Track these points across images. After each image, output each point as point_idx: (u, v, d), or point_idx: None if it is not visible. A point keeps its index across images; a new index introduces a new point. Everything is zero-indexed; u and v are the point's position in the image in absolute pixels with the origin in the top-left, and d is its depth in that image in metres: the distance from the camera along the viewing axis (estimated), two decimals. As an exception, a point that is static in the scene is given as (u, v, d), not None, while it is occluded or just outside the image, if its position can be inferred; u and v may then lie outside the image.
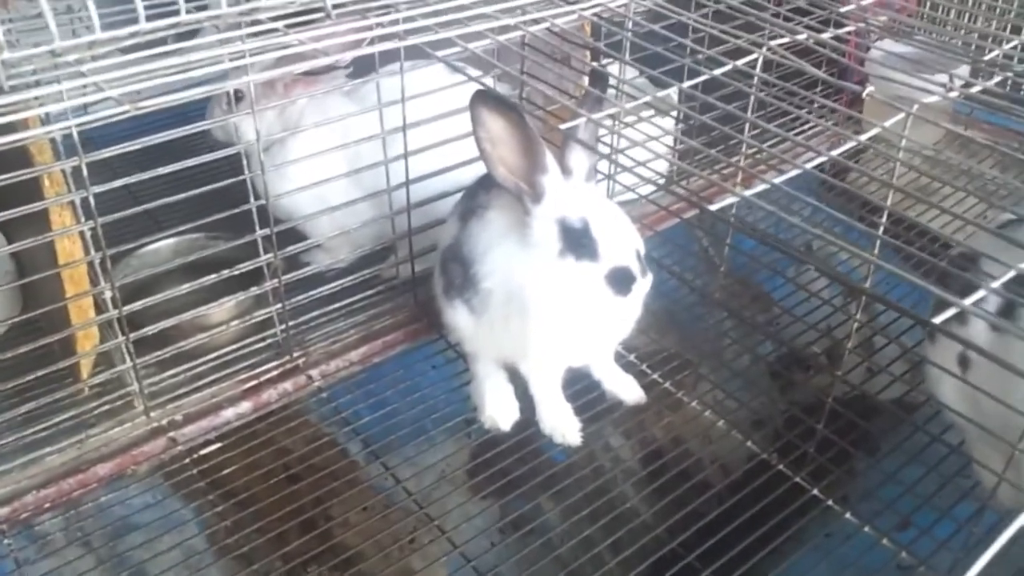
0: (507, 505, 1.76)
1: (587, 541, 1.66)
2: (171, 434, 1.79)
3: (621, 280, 1.57)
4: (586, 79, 2.26)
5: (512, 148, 1.55)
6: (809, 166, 1.18)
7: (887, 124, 1.25)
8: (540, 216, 1.59)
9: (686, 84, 1.45)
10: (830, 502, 1.71)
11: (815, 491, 1.73)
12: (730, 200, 1.09)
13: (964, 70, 2.08)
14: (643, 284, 1.59)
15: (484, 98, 1.53)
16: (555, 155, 1.60)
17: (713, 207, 1.08)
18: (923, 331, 1.83)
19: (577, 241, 1.57)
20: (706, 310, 2.26)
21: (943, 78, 1.62)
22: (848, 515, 1.69)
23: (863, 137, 1.22)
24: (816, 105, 1.48)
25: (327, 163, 1.97)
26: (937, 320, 0.94)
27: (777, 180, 1.14)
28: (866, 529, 1.65)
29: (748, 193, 1.09)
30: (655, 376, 2.01)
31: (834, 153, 1.19)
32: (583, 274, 1.58)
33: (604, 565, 1.62)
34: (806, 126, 2.68)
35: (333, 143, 1.94)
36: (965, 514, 1.59)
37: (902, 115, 1.28)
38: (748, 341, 2.25)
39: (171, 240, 2.15)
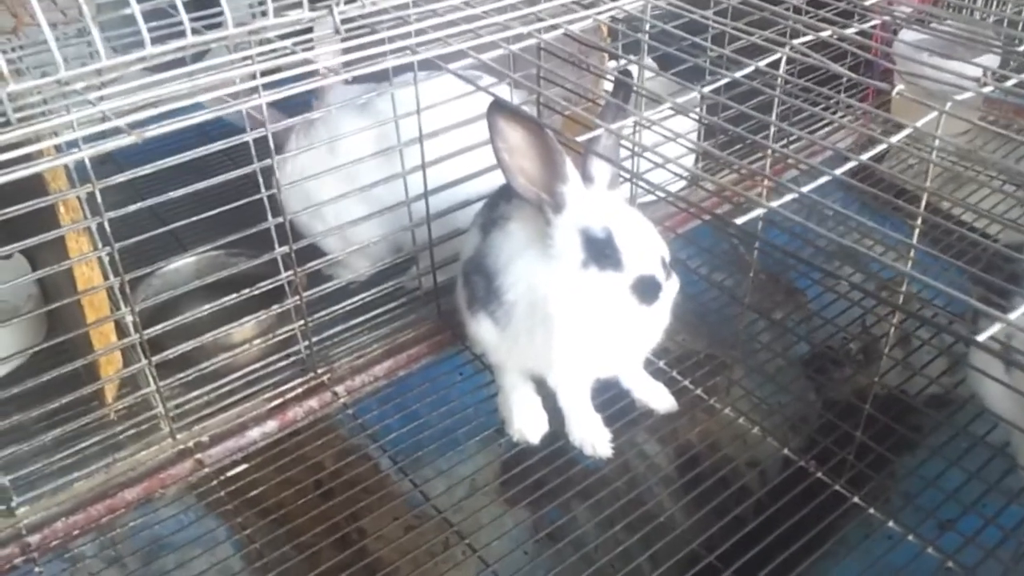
0: (541, 516, 1.74)
1: (624, 552, 1.63)
2: (198, 456, 1.78)
3: (647, 289, 1.54)
4: (604, 82, 2.23)
5: (531, 158, 1.52)
6: (839, 172, 1.12)
7: (920, 124, 1.20)
8: (562, 226, 1.55)
9: (707, 89, 1.40)
10: (871, 510, 1.66)
11: (855, 499, 1.68)
12: (756, 212, 1.05)
13: (994, 60, 2.02)
14: (670, 290, 1.55)
15: (501, 108, 1.50)
16: (576, 162, 1.56)
17: (742, 219, 1.04)
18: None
19: (600, 251, 1.53)
20: (736, 311, 2.21)
21: (973, 70, 1.56)
22: (891, 523, 1.64)
23: (895, 139, 1.17)
24: (842, 103, 1.44)
25: (340, 179, 1.95)
26: (980, 338, 0.89)
27: (805, 189, 1.09)
28: (910, 537, 1.60)
29: (776, 204, 1.05)
30: (686, 382, 1.97)
31: (864, 157, 1.14)
32: (608, 284, 1.54)
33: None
34: (831, 125, 2.62)
35: (346, 158, 1.91)
36: (1011, 520, 1.54)
37: (934, 114, 1.23)
38: (781, 342, 2.20)
39: (191, 259, 2.15)
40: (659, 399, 1.88)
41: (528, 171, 1.54)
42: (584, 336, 1.60)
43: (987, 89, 1.29)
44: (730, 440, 1.89)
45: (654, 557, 1.61)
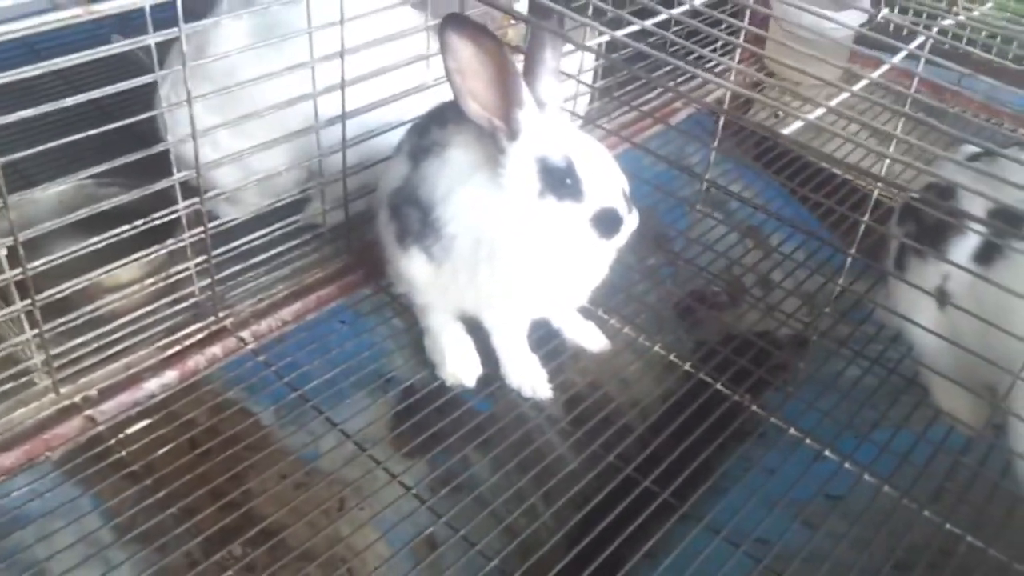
0: (434, 460, 1.63)
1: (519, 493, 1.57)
2: (87, 412, 1.55)
3: (608, 222, 1.47)
4: (518, 3, 2.13)
5: (485, 80, 1.42)
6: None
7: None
8: (516, 154, 1.46)
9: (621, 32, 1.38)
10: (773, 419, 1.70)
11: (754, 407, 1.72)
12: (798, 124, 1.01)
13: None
14: (630, 224, 1.50)
15: (456, 23, 1.37)
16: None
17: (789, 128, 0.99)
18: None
19: (559, 181, 1.45)
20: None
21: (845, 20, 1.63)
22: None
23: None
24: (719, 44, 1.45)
25: (234, 100, 1.73)
26: None
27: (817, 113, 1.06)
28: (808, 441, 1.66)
29: (814, 115, 1.01)
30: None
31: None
32: (566, 216, 1.46)
33: (538, 518, 1.52)
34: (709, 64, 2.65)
35: (246, 76, 1.67)
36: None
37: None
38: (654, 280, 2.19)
39: (52, 190, 1.85)
40: (591, 339, 1.83)
41: (481, 94, 1.43)
42: (534, 272, 1.53)
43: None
44: (612, 375, 1.84)
45: (548, 496, 1.54)
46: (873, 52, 1.77)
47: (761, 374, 1.78)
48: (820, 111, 1.43)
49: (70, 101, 1.35)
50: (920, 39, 1.54)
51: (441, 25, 1.37)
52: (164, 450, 1.51)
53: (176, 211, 1.60)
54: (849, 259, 1.86)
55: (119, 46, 1.38)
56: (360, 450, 1.60)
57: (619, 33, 1.41)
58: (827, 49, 1.58)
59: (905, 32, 1.79)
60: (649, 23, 1.45)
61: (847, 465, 1.60)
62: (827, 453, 1.63)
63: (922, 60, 1.52)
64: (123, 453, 1.49)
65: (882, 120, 2.21)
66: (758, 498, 1.53)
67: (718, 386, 1.76)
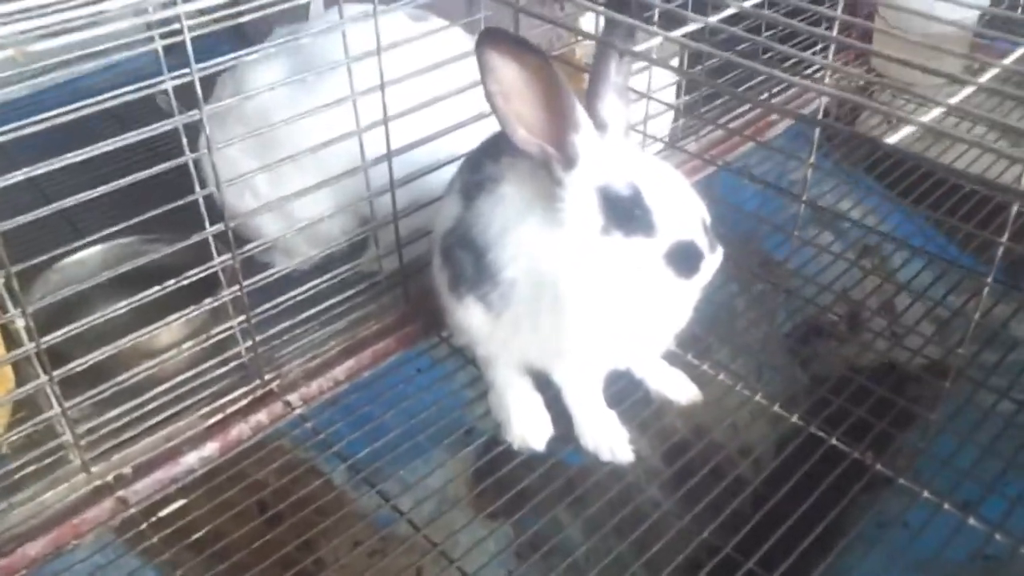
0: (520, 523, 1.46)
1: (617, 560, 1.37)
2: (120, 493, 1.42)
3: (686, 258, 1.25)
4: (583, 20, 1.94)
5: (533, 102, 1.23)
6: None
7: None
8: (574, 185, 1.26)
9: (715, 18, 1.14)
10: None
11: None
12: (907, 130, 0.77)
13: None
14: (713, 262, 1.27)
15: (494, 38, 1.19)
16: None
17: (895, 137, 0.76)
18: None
19: (625, 213, 1.24)
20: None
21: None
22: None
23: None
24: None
25: (274, 148, 1.59)
26: None
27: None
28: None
29: (927, 118, 0.77)
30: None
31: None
32: (636, 254, 1.25)
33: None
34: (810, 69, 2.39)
35: (281, 116, 1.53)
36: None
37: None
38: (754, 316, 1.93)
39: (97, 248, 1.78)
40: (680, 389, 1.60)
41: (529, 119, 1.24)
42: (604, 319, 1.31)
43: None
44: (720, 421, 1.61)
45: (650, 564, 1.34)
46: (1002, 37, 1.48)
47: (884, 426, 1.50)
48: (937, 111, 1.17)
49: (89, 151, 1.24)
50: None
51: (477, 43, 1.19)
52: (198, 535, 1.36)
53: (211, 267, 1.46)
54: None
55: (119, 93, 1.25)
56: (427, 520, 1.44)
57: (697, 44, 1.20)
58: (943, 39, 1.31)
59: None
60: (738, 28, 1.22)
61: (998, 536, 1.32)
62: (971, 521, 1.35)
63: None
64: (155, 539, 1.35)
65: (1016, 117, 1.90)
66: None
67: (833, 441, 1.50)
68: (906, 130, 1.12)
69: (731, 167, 1.96)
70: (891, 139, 2.24)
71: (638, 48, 1.36)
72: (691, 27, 1.25)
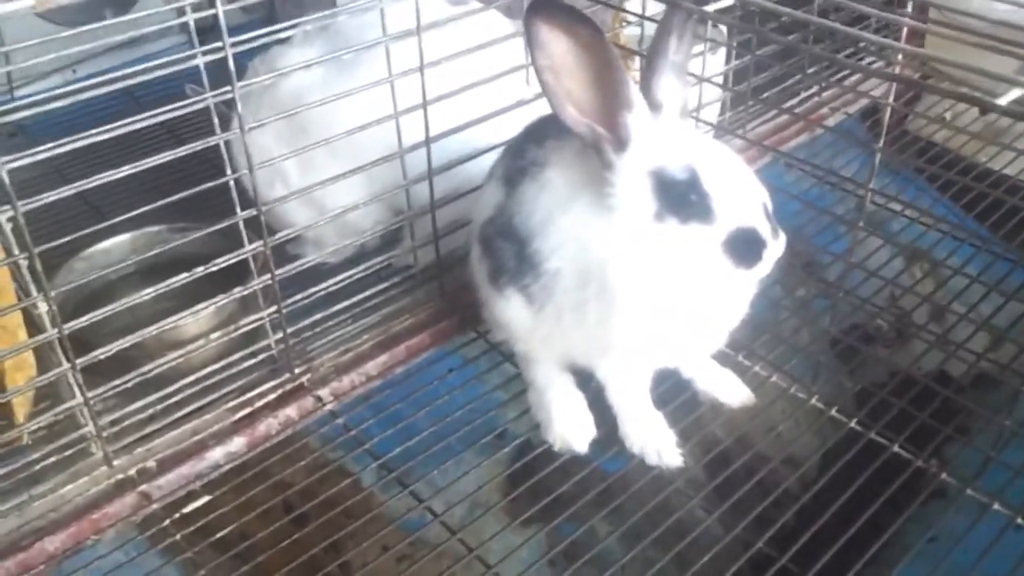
0: (555, 531, 1.39)
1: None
2: (142, 487, 1.35)
3: (747, 246, 1.17)
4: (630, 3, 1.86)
5: (584, 78, 1.16)
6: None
7: None
8: (626, 168, 1.18)
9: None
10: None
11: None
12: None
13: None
14: (775, 249, 1.19)
15: (545, 9, 1.12)
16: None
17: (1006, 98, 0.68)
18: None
19: (681, 198, 1.16)
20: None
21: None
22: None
23: None
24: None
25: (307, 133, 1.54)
26: None
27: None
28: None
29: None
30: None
31: None
32: (692, 241, 1.17)
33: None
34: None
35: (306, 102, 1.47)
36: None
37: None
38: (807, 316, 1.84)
39: (125, 236, 1.74)
40: (731, 391, 1.51)
41: (579, 97, 1.17)
42: (655, 313, 1.23)
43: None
44: (763, 428, 1.53)
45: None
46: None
47: (949, 432, 1.41)
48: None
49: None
50: None
51: (527, 13, 1.12)
52: (222, 533, 1.30)
53: (242, 254, 1.40)
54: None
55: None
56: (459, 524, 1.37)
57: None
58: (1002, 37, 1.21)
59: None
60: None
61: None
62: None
63: None
64: (177, 536, 1.29)
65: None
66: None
67: (896, 448, 1.41)
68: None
69: (784, 158, 1.87)
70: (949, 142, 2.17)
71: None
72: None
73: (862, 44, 2.05)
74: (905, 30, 1.26)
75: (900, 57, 1.41)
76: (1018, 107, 0.82)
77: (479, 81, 1.53)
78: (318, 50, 1.68)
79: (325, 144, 1.44)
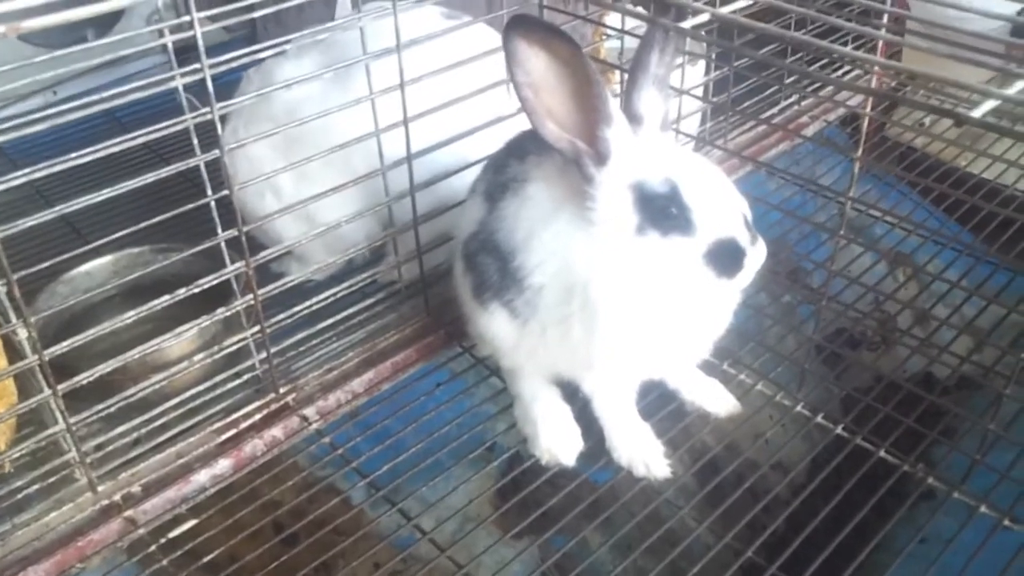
0: (547, 544, 1.41)
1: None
2: (128, 513, 1.34)
3: (728, 257, 1.18)
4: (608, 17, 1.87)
5: (563, 94, 1.16)
6: None
7: None
8: (607, 183, 1.18)
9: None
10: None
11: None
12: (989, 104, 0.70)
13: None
14: (755, 259, 1.19)
15: (523, 25, 1.12)
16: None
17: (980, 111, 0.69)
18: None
19: (662, 211, 1.17)
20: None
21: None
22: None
23: None
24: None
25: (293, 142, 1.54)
26: None
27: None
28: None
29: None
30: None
31: None
32: (674, 254, 1.18)
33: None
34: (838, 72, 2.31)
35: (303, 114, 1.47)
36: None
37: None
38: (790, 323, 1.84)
39: (107, 259, 1.73)
40: (717, 400, 1.51)
41: (558, 112, 1.17)
42: (639, 325, 1.24)
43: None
44: (750, 436, 1.53)
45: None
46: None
47: (935, 436, 1.42)
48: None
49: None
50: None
51: (505, 30, 1.13)
52: (210, 556, 1.29)
53: (224, 275, 1.39)
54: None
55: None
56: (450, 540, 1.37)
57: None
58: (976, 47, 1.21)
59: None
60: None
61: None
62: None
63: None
64: (164, 562, 1.28)
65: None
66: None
67: (882, 453, 1.41)
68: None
69: (764, 167, 1.88)
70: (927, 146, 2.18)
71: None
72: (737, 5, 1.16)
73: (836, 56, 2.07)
74: (881, 43, 1.27)
75: (876, 68, 1.41)
76: (992, 119, 0.83)
77: (463, 96, 1.53)
78: (313, 61, 1.68)
79: (320, 156, 1.44)
